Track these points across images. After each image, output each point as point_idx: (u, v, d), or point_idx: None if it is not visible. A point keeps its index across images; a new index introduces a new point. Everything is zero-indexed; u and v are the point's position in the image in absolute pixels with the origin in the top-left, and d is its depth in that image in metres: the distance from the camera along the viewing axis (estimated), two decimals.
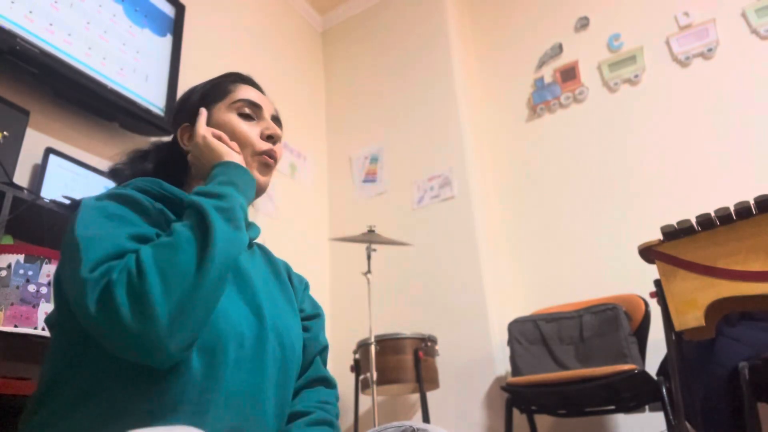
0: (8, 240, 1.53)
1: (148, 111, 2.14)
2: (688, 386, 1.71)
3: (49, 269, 1.42)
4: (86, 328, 0.65)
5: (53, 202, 1.58)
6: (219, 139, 0.89)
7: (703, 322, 1.38)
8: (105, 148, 2.10)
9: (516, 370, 2.28)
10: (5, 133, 1.67)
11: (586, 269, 2.68)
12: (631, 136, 2.79)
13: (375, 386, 2.21)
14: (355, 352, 2.43)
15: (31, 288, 1.38)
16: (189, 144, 0.93)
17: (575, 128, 2.97)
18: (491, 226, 2.95)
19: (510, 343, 2.35)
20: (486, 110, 3.33)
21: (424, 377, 2.29)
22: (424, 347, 2.35)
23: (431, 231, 2.92)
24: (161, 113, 2.20)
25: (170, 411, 0.67)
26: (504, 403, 2.18)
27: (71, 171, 1.87)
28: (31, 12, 1.81)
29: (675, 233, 1.47)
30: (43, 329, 1.36)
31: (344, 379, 2.62)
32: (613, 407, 2.11)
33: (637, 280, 2.16)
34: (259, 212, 1.01)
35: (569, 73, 3.07)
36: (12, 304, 1.34)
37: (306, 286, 1.04)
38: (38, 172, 1.78)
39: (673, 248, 1.48)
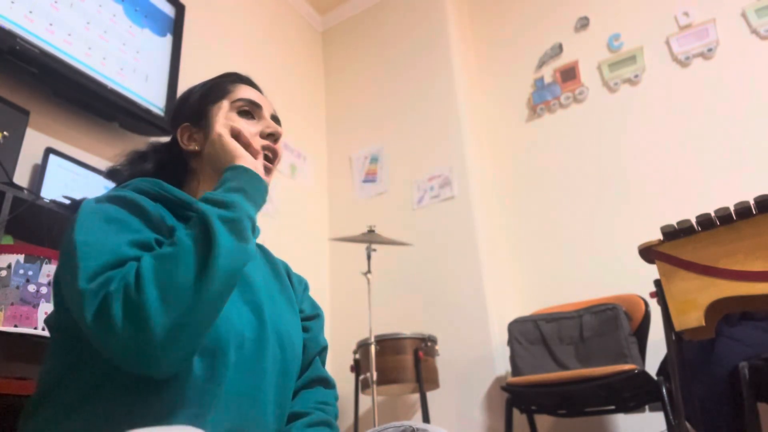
0: (8, 240, 1.53)
1: (148, 111, 2.14)
2: (688, 386, 1.71)
3: (49, 269, 1.42)
4: (86, 334, 0.65)
5: (53, 202, 1.58)
6: (237, 136, 0.87)
7: (703, 322, 1.38)
8: (105, 148, 2.10)
9: (516, 370, 2.27)
10: (5, 133, 1.67)
11: (586, 269, 2.68)
12: (631, 136, 2.79)
13: (375, 386, 2.21)
14: (355, 352, 2.43)
15: (31, 288, 1.38)
16: (189, 144, 0.93)
17: (575, 128, 2.97)
18: (491, 226, 2.95)
19: (510, 343, 2.35)
20: (486, 110, 3.33)
21: (424, 377, 2.29)
22: (424, 347, 2.35)
23: (431, 231, 2.91)
24: (161, 113, 2.20)
25: (170, 413, 0.67)
26: (504, 403, 2.18)
27: (71, 171, 1.87)
28: (31, 12, 1.81)
29: (675, 233, 1.47)
30: (43, 329, 1.36)
31: (344, 379, 2.62)
32: (613, 407, 2.11)
33: (637, 280, 2.16)
34: (259, 212, 1.01)
35: (569, 73, 3.07)
36: (12, 304, 1.34)
37: (306, 287, 1.04)
38: (38, 172, 1.78)
39: (673, 248, 1.48)
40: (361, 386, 2.37)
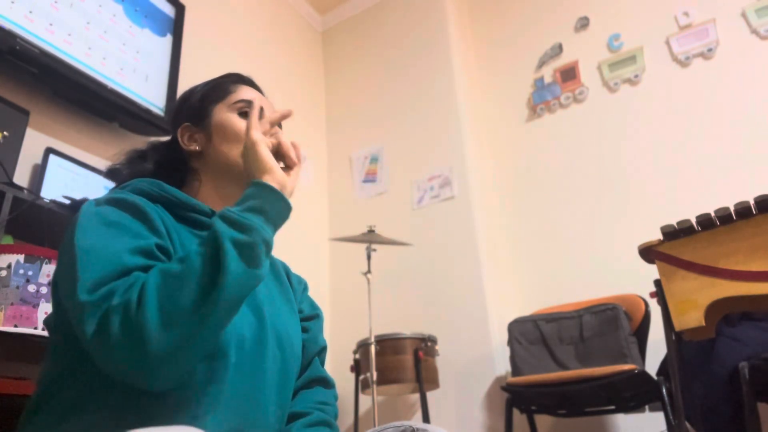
0: (8, 240, 1.53)
1: (148, 111, 2.14)
2: (688, 386, 1.71)
3: (49, 269, 1.42)
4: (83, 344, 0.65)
5: (53, 202, 1.58)
6: (278, 148, 0.83)
7: (703, 322, 1.38)
8: (105, 148, 2.10)
9: (516, 370, 2.27)
10: (5, 133, 1.67)
11: (586, 269, 2.68)
12: (631, 136, 2.79)
13: (375, 386, 2.21)
14: (355, 352, 2.43)
15: (31, 288, 1.38)
16: (190, 143, 0.92)
17: (575, 128, 2.97)
18: (491, 226, 2.95)
19: (510, 343, 2.35)
20: (486, 110, 3.33)
21: (424, 377, 2.29)
22: (424, 347, 2.35)
23: (431, 231, 2.91)
24: (161, 113, 2.20)
25: (171, 414, 0.67)
26: (504, 403, 2.18)
27: (71, 171, 1.87)
28: (31, 12, 1.81)
29: (675, 233, 1.47)
30: (42, 329, 1.36)
31: (344, 379, 2.62)
32: (613, 407, 2.11)
33: (637, 280, 2.16)
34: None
35: (569, 73, 3.07)
36: (12, 304, 1.34)
37: (305, 287, 1.04)
38: (38, 172, 1.78)
39: (673, 248, 1.48)
40: (361, 386, 2.37)
